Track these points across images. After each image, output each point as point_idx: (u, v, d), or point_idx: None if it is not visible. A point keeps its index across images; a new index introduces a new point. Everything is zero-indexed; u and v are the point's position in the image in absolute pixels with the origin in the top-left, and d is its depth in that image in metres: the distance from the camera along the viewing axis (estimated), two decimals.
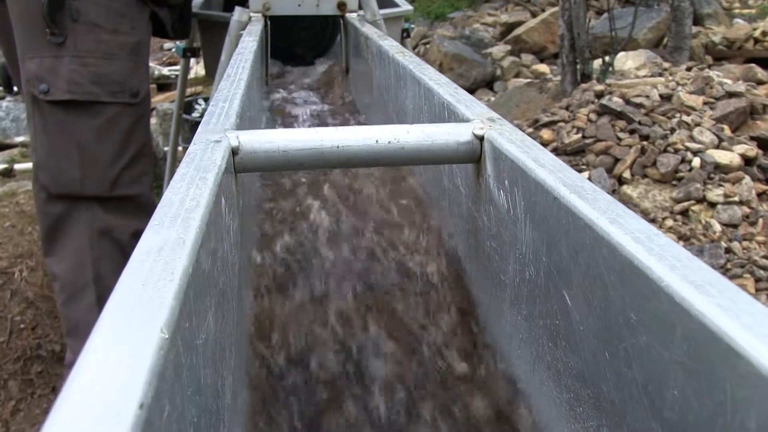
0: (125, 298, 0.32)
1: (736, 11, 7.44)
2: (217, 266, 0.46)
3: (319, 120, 1.50)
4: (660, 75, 2.97)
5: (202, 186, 0.48)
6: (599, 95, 2.93)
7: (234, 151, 0.61)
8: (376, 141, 0.64)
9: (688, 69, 3.07)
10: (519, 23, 6.65)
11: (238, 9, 1.71)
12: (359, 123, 1.46)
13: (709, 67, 3.50)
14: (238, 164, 0.62)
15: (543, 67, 5.91)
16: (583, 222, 0.43)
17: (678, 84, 2.84)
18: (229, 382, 0.48)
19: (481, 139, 0.64)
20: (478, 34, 6.59)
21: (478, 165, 0.66)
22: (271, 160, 0.62)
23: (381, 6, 2.05)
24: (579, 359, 0.45)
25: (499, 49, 6.22)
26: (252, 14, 1.74)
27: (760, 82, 3.11)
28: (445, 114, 0.76)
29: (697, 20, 5.89)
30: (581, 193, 0.46)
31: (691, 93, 2.77)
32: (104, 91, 1.42)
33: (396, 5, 2.20)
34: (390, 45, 1.25)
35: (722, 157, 2.48)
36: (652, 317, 0.36)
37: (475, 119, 0.67)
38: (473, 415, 0.57)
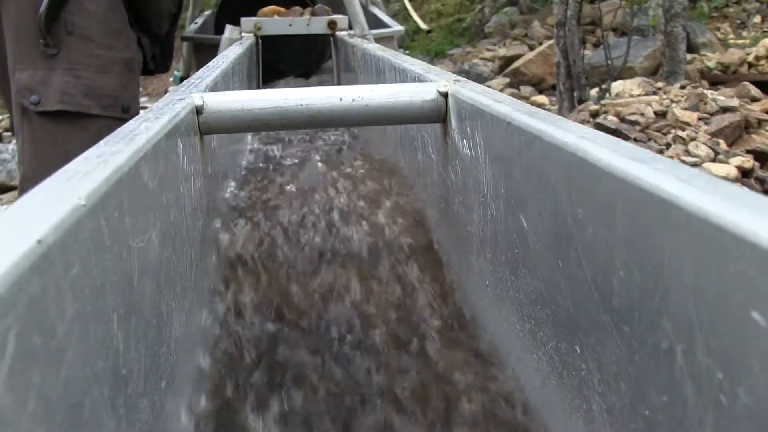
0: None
1: (731, 41, 7.51)
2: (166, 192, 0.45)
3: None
4: (654, 94, 2.98)
5: (154, 121, 0.48)
6: (594, 114, 2.94)
7: (198, 110, 0.61)
8: (340, 99, 0.63)
9: (682, 87, 3.08)
10: (517, 56, 6.71)
11: (228, 27, 1.73)
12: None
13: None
14: (202, 124, 0.62)
15: (542, 98, 5.95)
16: (532, 134, 0.43)
17: (672, 101, 2.85)
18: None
19: (445, 96, 0.64)
20: (477, 69, 6.66)
21: (445, 125, 0.66)
22: (236, 119, 0.62)
23: (373, 27, 2.08)
24: (537, 281, 0.44)
25: (498, 82, 6.27)
26: (244, 34, 1.76)
27: (754, 99, 3.12)
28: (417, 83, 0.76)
29: (693, 49, 5.95)
30: (532, 113, 0.45)
31: (685, 109, 2.78)
32: (96, 104, 1.42)
33: (387, 26, 2.22)
34: (374, 47, 1.26)
35: (718, 170, 2.47)
36: (596, 204, 0.35)
37: (441, 80, 0.66)
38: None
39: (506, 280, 0.51)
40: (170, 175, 0.48)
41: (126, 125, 0.46)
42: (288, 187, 0.81)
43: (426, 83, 0.66)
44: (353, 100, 0.63)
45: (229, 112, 0.62)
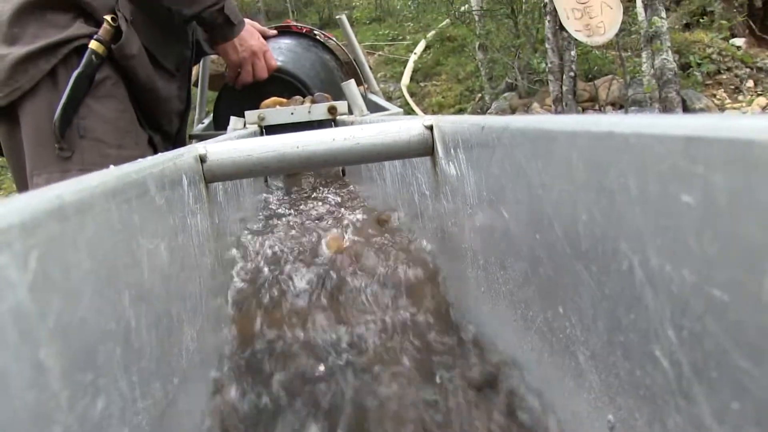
0: None
1: (728, 106, 7.67)
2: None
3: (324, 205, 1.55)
4: None
5: (160, 166, 0.52)
6: None
7: (202, 159, 0.66)
8: (333, 139, 0.68)
9: None
10: None
11: (233, 119, 1.82)
12: (357, 199, 1.51)
13: None
14: (207, 171, 0.66)
15: None
16: (501, 127, 0.47)
17: None
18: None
19: (430, 128, 0.68)
20: None
21: (433, 157, 0.70)
22: (238, 164, 0.67)
23: (372, 111, 2.17)
24: (522, 262, 0.47)
25: None
26: (248, 125, 1.84)
27: None
28: None
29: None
30: (503, 116, 0.49)
31: None
32: None
33: (386, 109, 2.32)
34: (372, 117, 1.32)
35: None
36: (557, 163, 0.38)
37: (425, 117, 0.71)
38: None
39: (498, 277, 0.53)
40: (177, 209, 0.52)
41: (131, 169, 0.51)
42: (293, 234, 0.85)
43: (412, 119, 0.71)
44: (345, 139, 0.68)
45: (231, 159, 0.66)
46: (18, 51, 1.38)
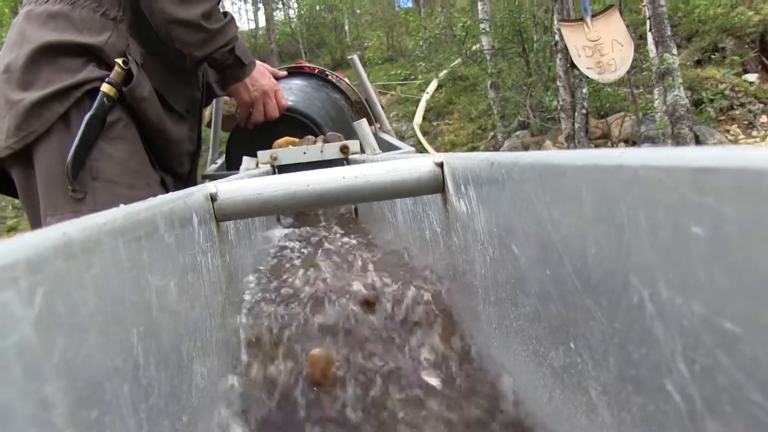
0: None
1: (742, 141, 7.64)
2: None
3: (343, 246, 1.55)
4: None
5: (170, 204, 0.52)
6: None
7: (213, 197, 0.66)
8: (343, 177, 0.68)
9: None
10: None
11: (246, 159, 1.83)
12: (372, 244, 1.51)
13: None
14: (217, 210, 0.66)
15: None
16: (510, 163, 0.47)
17: None
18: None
19: (441, 166, 0.69)
20: None
21: (444, 194, 0.70)
22: (248, 203, 0.67)
23: (384, 150, 2.18)
24: (532, 298, 0.47)
25: None
26: (261, 165, 1.86)
27: None
28: None
29: None
30: (513, 152, 0.49)
31: None
32: None
33: (398, 147, 2.33)
34: (383, 156, 1.33)
35: None
36: (566, 197, 0.38)
37: (435, 155, 0.71)
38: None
39: (509, 314, 0.53)
40: (187, 247, 0.52)
41: (140, 208, 0.51)
42: (308, 274, 0.85)
43: (423, 156, 0.71)
44: (355, 177, 0.68)
45: (242, 197, 0.67)
46: (32, 95, 1.41)
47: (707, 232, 0.25)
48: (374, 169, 0.69)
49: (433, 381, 0.60)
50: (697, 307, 0.26)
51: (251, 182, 0.68)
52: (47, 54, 1.44)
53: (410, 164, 0.69)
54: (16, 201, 1.63)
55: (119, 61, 1.46)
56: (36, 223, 1.56)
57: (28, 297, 0.24)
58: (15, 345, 0.22)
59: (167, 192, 1.74)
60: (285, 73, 2.27)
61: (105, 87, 1.43)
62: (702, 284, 0.26)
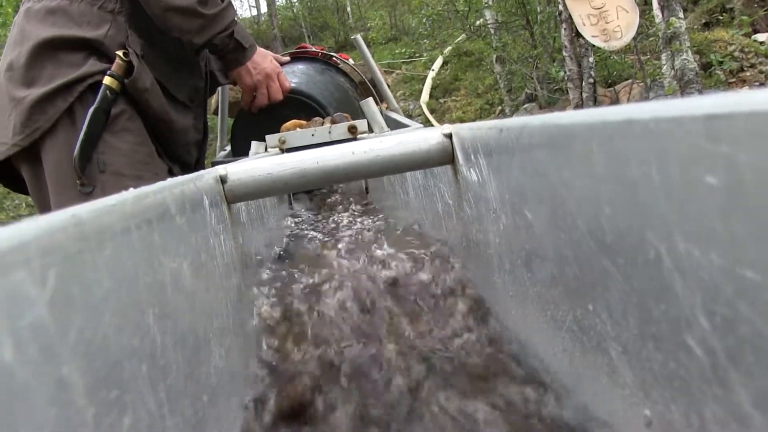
0: None
1: None
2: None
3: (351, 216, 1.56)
4: None
5: (182, 186, 0.52)
6: None
7: (223, 180, 0.66)
8: (353, 152, 0.68)
9: None
10: None
11: (254, 143, 1.83)
12: (380, 217, 1.50)
13: None
14: (228, 192, 0.66)
15: None
16: (519, 127, 0.46)
17: None
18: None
19: (449, 137, 0.68)
20: None
21: (454, 165, 0.69)
22: (258, 183, 0.67)
23: (393, 128, 2.17)
24: (548, 263, 0.46)
25: None
26: (269, 149, 1.85)
27: None
28: None
29: None
30: (521, 118, 0.49)
31: None
32: None
33: (406, 125, 2.32)
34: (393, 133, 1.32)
35: None
36: (577, 157, 0.38)
37: (444, 126, 0.71)
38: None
39: (525, 280, 0.53)
40: (199, 229, 0.52)
41: (150, 191, 0.51)
42: (324, 253, 0.85)
43: (430, 129, 0.70)
44: (364, 152, 0.68)
45: (251, 178, 0.67)
46: (36, 92, 1.41)
47: (722, 181, 0.25)
48: (383, 143, 0.68)
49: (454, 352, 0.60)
50: (715, 258, 0.26)
51: (260, 162, 0.68)
52: (48, 50, 1.44)
53: (419, 136, 0.69)
54: (30, 199, 1.64)
55: (120, 53, 1.45)
56: None
57: (41, 278, 0.24)
58: (30, 326, 0.22)
59: None
60: (288, 58, 2.26)
61: (107, 80, 1.43)
62: (719, 235, 0.25)
